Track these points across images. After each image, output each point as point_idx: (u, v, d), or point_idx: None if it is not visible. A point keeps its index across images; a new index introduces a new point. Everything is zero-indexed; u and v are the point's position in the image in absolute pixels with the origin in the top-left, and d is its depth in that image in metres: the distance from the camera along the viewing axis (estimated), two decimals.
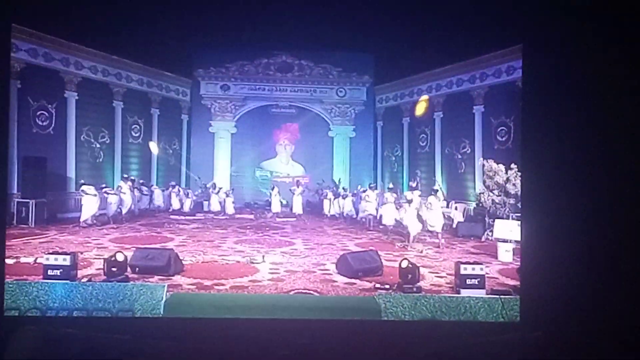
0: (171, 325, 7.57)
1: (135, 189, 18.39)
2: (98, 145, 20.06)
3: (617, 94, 6.30)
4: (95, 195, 16.49)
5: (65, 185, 18.39)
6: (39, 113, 17.37)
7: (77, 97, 18.84)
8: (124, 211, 17.31)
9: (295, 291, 8.95)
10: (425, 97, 21.47)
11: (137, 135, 22.19)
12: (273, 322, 7.45)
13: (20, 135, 16.21)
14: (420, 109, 21.45)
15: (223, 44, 22.65)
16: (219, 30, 19.70)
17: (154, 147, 22.64)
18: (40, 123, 17.45)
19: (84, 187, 16.47)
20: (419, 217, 14.49)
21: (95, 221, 16.22)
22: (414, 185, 18.35)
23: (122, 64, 20.92)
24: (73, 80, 18.69)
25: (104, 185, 17.86)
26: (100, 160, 20.13)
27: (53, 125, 18.01)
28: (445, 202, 16.67)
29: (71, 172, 18.68)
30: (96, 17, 15.77)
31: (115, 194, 17.43)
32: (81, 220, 16.05)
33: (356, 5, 16.57)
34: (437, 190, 15.79)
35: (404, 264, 8.82)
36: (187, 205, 20.29)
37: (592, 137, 6.38)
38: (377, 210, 17.09)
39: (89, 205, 16.26)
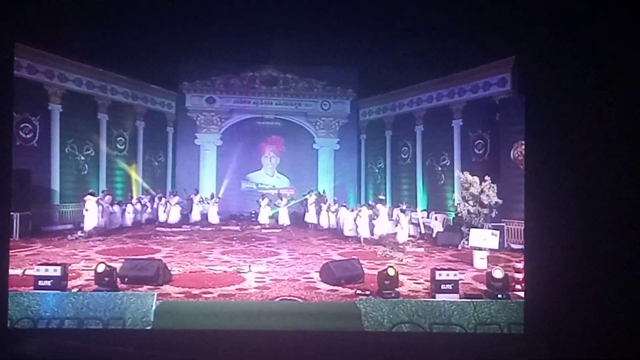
0: (161, 336, 7.73)
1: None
2: (83, 158, 20.10)
3: (617, 97, 6.31)
4: (96, 206, 16.56)
5: (49, 198, 18.36)
6: (22, 125, 17.34)
7: (61, 110, 18.88)
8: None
9: (281, 298, 9.20)
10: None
11: (122, 147, 22.29)
12: (262, 333, 7.56)
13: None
14: None
15: (209, 57, 22.92)
16: (205, 43, 19.96)
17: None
18: (23, 135, 17.42)
19: (85, 198, 16.58)
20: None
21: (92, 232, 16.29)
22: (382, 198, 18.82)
23: (107, 76, 21.04)
24: (57, 92, 18.74)
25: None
26: (85, 172, 20.15)
27: (37, 137, 17.99)
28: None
29: (55, 185, 18.66)
30: (81, 29, 15.82)
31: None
32: (85, 230, 16.24)
33: (341, 21, 16.94)
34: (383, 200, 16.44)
35: (385, 270, 9.20)
36: (174, 216, 20.22)
37: (597, 140, 6.35)
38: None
39: (90, 216, 16.34)
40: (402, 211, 16.06)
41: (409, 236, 17.35)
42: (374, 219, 16.06)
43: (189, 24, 17.67)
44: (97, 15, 15.40)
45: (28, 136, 17.67)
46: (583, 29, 6.85)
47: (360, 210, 16.54)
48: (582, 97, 6.59)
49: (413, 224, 18.27)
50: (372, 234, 16.06)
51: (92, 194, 16.89)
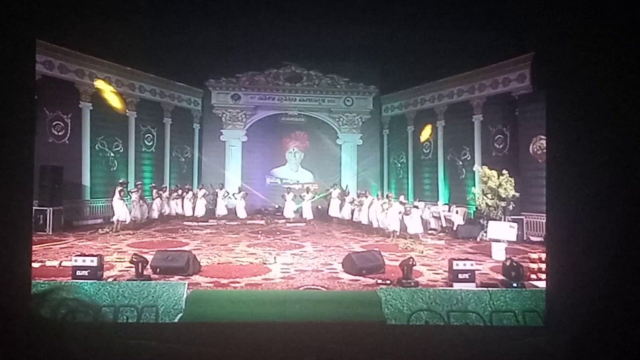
0: (188, 330, 8.04)
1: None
2: (112, 154, 20.59)
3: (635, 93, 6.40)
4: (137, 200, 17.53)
5: (80, 193, 18.87)
6: (54, 123, 17.85)
7: (91, 108, 19.34)
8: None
9: (305, 287, 9.56)
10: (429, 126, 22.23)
11: (150, 144, 22.80)
12: (286, 325, 7.77)
13: (36, 145, 16.71)
14: (425, 134, 22.21)
15: (234, 55, 23.37)
16: (230, 41, 20.35)
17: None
18: (55, 133, 17.94)
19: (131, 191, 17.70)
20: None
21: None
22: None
23: (135, 74, 21.52)
24: (88, 91, 19.20)
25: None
26: (114, 168, 20.62)
27: (68, 135, 18.50)
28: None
29: (86, 181, 19.17)
30: (110, 29, 16.32)
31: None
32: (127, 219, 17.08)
33: (363, 19, 17.24)
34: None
35: (405, 261, 9.58)
36: (200, 209, 20.59)
37: (618, 132, 6.43)
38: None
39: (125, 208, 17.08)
40: (415, 206, 16.44)
41: (430, 229, 17.81)
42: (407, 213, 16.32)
43: (215, 23, 18.06)
44: (126, 15, 15.87)
45: (60, 133, 18.16)
46: (601, 23, 6.87)
47: (390, 206, 16.74)
48: (603, 91, 6.69)
49: (434, 217, 18.60)
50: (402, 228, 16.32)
51: (123, 184, 17.55)
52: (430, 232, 17.71)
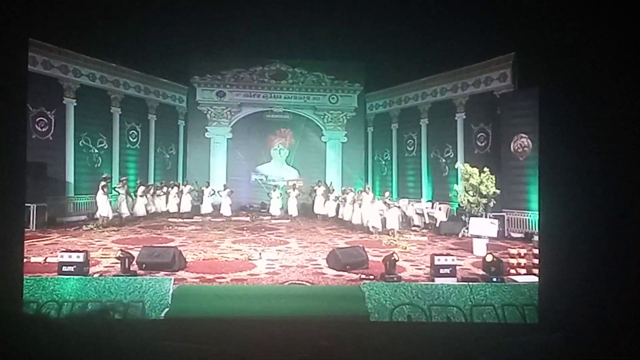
0: (174, 326, 8.15)
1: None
2: (96, 151, 20.52)
3: (624, 86, 6.40)
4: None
5: (64, 189, 18.79)
6: (38, 119, 17.73)
7: (75, 104, 19.26)
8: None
9: (290, 282, 9.73)
10: None
11: (134, 140, 22.76)
12: (273, 321, 7.65)
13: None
14: None
15: (219, 52, 23.41)
16: (215, 38, 20.40)
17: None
18: (39, 129, 17.82)
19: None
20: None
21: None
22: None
23: (120, 71, 21.45)
24: (71, 87, 19.14)
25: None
26: (99, 165, 20.54)
27: (52, 131, 18.40)
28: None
29: (70, 177, 19.09)
30: (94, 25, 16.31)
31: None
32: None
33: (348, 17, 17.38)
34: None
35: (388, 256, 9.75)
36: (185, 205, 20.56)
37: (607, 127, 6.39)
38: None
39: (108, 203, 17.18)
40: (397, 206, 16.70)
41: (414, 225, 18.06)
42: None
43: (200, 20, 18.11)
44: (110, 11, 15.87)
45: (44, 130, 18.06)
46: (581, 23, 6.94)
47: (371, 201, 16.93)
48: (593, 88, 6.68)
49: (418, 214, 18.82)
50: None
51: (106, 179, 17.55)
52: (413, 228, 17.95)
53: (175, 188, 21.13)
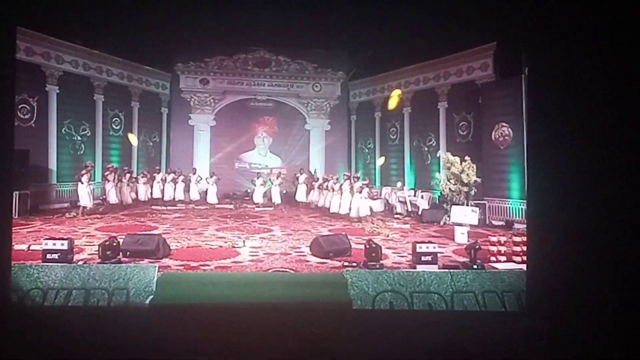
0: (160, 313, 8.15)
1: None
2: (79, 138, 20.41)
3: (606, 76, 6.31)
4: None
5: (47, 177, 18.73)
6: (20, 106, 17.57)
7: (58, 91, 19.16)
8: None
9: (273, 270, 9.80)
10: (397, 91, 22.36)
11: (117, 127, 22.65)
12: (258, 307, 7.98)
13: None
14: (392, 102, 22.35)
15: (202, 39, 23.26)
16: (199, 25, 20.30)
17: (133, 139, 23.15)
18: (22, 116, 17.69)
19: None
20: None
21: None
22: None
23: (103, 58, 21.33)
24: (54, 74, 19.03)
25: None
26: (81, 152, 20.44)
27: (35, 118, 18.32)
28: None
29: (52, 165, 19.01)
30: (77, 11, 16.16)
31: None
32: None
33: (333, 5, 17.37)
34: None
35: (369, 244, 9.86)
36: (169, 193, 20.62)
37: (595, 123, 6.36)
38: None
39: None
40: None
41: (396, 213, 18.24)
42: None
43: (183, 6, 17.99)
44: None
45: (26, 117, 17.96)
46: (561, 14, 6.95)
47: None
48: (573, 77, 6.67)
49: (400, 202, 18.98)
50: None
51: (87, 166, 17.46)
52: (396, 216, 18.10)
53: (159, 176, 21.05)
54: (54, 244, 9.55)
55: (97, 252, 9.87)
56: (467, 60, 19.32)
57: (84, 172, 16.84)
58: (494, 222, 16.46)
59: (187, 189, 21.11)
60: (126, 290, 8.70)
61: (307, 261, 10.57)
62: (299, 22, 19.78)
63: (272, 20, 19.64)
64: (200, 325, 7.13)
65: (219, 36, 22.43)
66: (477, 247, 9.87)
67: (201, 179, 21.41)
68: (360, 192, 16.18)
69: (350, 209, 16.48)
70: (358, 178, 17.93)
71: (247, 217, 17.40)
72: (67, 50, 19.53)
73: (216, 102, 25.76)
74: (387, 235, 13.79)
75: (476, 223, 13.94)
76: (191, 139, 25.63)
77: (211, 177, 21.62)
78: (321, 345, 6.09)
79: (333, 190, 17.82)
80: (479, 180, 16.15)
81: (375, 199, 19.39)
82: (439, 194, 18.05)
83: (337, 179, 18.62)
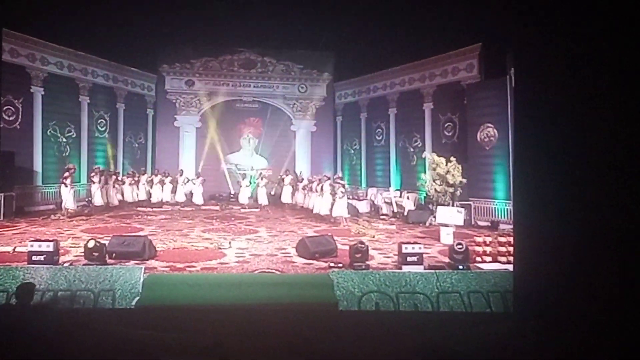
0: (147, 314, 8.14)
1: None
2: (64, 140, 20.33)
3: (594, 74, 6.29)
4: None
5: (32, 178, 18.62)
6: (5, 108, 17.47)
7: (43, 92, 19.08)
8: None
9: (260, 271, 9.83)
10: None
11: (103, 129, 22.56)
12: (244, 308, 8.05)
13: None
14: None
15: (188, 41, 23.32)
16: (184, 26, 20.30)
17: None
18: (6, 118, 17.57)
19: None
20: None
21: None
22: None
23: (88, 59, 21.25)
24: (39, 75, 18.94)
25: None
26: (67, 154, 20.36)
27: (20, 119, 18.21)
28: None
29: (38, 166, 18.91)
30: (61, 13, 16.12)
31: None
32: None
33: (318, 6, 17.44)
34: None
35: (355, 245, 9.93)
36: (158, 194, 20.68)
37: (581, 123, 6.36)
38: None
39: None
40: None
41: (382, 214, 18.34)
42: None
43: (169, 8, 17.99)
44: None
45: (11, 118, 17.84)
46: (547, 16, 7.01)
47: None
48: (559, 78, 6.69)
49: (386, 202, 19.08)
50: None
51: (70, 170, 17.29)
52: (382, 217, 18.19)
53: (144, 177, 21.05)
54: (40, 246, 9.54)
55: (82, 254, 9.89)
56: (452, 61, 19.44)
57: (66, 174, 16.74)
58: (480, 223, 16.57)
59: (174, 191, 21.06)
60: (112, 291, 8.67)
61: (293, 262, 10.62)
62: (284, 24, 19.86)
63: (258, 21, 19.69)
64: (187, 327, 7.12)
65: (204, 37, 22.47)
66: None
67: (188, 180, 21.35)
68: (334, 192, 16.22)
69: (329, 210, 16.56)
70: (329, 178, 18.00)
71: (233, 219, 17.40)
72: (52, 52, 19.45)
73: (202, 104, 25.70)
74: (373, 236, 13.86)
75: (462, 224, 14.07)
76: (177, 140, 25.54)
77: (197, 178, 21.56)
78: (307, 346, 6.11)
79: (316, 191, 17.85)
80: (464, 180, 16.28)
81: (361, 200, 19.54)
82: (425, 195, 18.15)
83: (319, 179, 18.61)
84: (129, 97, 24.04)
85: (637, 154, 5.56)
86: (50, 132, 19.61)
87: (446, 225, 13.24)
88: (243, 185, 21.23)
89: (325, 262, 10.42)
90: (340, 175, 20.12)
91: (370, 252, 10.89)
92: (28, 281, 7.95)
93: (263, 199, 20.73)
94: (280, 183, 21.67)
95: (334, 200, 16.39)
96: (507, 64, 15.48)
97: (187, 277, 9.40)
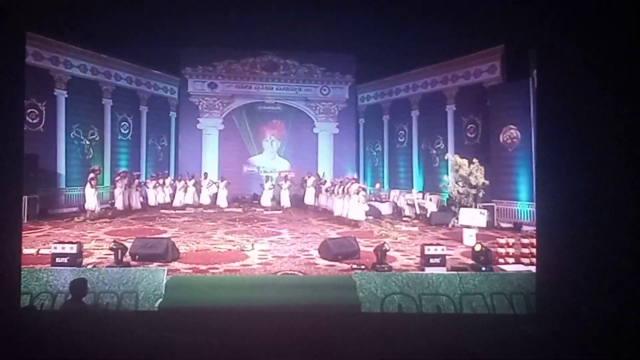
0: (169, 317, 8.04)
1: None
2: (88, 142, 20.45)
3: (616, 77, 6.27)
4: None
5: (55, 181, 18.77)
6: (29, 111, 17.62)
7: (66, 95, 19.22)
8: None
9: (282, 273, 9.84)
10: None
11: (126, 132, 22.72)
12: (267, 310, 7.96)
13: None
14: None
15: (211, 43, 23.39)
16: (207, 29, 20.36)
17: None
18: (30, 121, 17.72)
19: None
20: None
21: None
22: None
23: (111, 62, 21.40)
24: (62, 78, 19.11)
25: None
26: (90, 156, 20.50)
27: (43, 122, 18.38)
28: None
29: (61, 169, 19.06)
30: (85, 16, 16.22)
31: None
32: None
33: (340, 9, 17.39)
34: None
35: (379, 246, 9.89)
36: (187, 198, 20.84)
37: (605, 125, 6.34)
38: None
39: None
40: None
41: (405, 216, 18.25)
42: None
43: (192, 11, 18.06)
44: (102, 2, 15.78)
45: (35, 121, 18.02)
46: (570, 17, 6.93)
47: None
48: (583, 79, 6.61)
49: (409, 204, 18.99)
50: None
51: (95, 171, 17.52)
52: (404, 219, 18.11)
53: (171, 181, 21.26)
54: (63, 248, 9.60)
55: (108, 255, 10.04)
56: (474, 63, 19.32)
57: (92, 175, 16.90)
58: (502, 225, 16.40)
59: (198, 193, 21.19)
60: (135, 293, 8.72)
61: (316, 264, 10.60)
62: (307, 26, 19.82)
63: (280, 23, 19.69)
64: (209, 329, 7.10)
65: (227, 40, 22.51)
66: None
67: (213, 183, 21.43)
68: (357, 194, 16.10)
69: (348, 212, 16.46)
70: (356, 180, 17.91)
71: (255, 221, 17.42)
72: (75, 55, 19.60)
73: (224, 106, 25.78)
74: (396, 238, 13.79)
75: (484, 225, 13.91)
76: (200, 143, 25.65)
77: (222, 181, 21.65)
78: (330, 348, 6.05)
79: (338, 193, 17.79)
80: (487, 182, 16.13)
81: (384, 202, 19.45)
82: (447, 197, 18.03)
83: (340, 182, 18.55)
84: (151, 99, 24.17)
85: None
86: (73, 134, 19.75)
87: (469, 227, 13.14)
88: (266, 187, 21.23)
89: (348, 263, 10.37)
90: (355, 176, 20.05)
91: (393, 253, 10.86)
92: (80, 277, 7.98)
93: (286, 201, 20.75)
94: (303, 185, 21.65)
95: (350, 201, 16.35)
96: (529, 65, 15.32)
97: (210, 279, 9.43)
